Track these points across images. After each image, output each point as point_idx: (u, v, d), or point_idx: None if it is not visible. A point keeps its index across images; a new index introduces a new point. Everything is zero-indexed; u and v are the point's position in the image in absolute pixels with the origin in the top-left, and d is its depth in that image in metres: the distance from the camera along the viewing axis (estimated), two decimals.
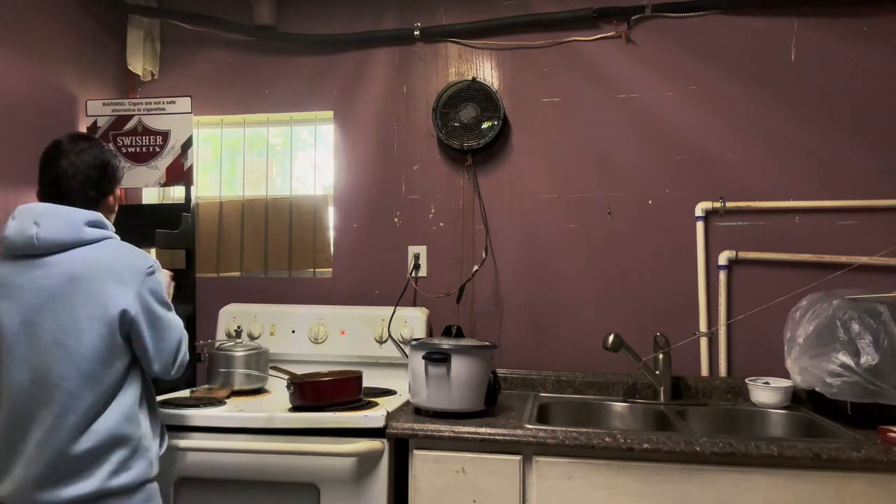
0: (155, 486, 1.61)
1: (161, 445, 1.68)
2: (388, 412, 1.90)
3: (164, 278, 1.67)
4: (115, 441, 1.50)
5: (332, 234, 2.70)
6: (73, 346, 1.47)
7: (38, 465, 1.45)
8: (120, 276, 1.53)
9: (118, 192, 1.73)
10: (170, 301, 1.67)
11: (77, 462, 1.46)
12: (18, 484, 1.46)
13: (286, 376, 1.98)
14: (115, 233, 1.65)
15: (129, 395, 1.55)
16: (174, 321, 1.64)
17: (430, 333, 2.51)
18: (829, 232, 2.31)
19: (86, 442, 1.47)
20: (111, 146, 1.80)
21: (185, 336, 1.67)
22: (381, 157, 2.65)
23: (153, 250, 2.58)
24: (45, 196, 1.61)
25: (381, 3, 2.67)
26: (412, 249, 2.60)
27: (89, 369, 1.48)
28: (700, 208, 2.38)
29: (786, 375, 2.12)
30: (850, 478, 1.65)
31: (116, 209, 1.75)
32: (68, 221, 1.53)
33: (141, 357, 1.58)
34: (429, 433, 1.84)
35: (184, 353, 1.66)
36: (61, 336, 1.47)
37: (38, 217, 1.52)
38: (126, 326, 1.53)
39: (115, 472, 1.49)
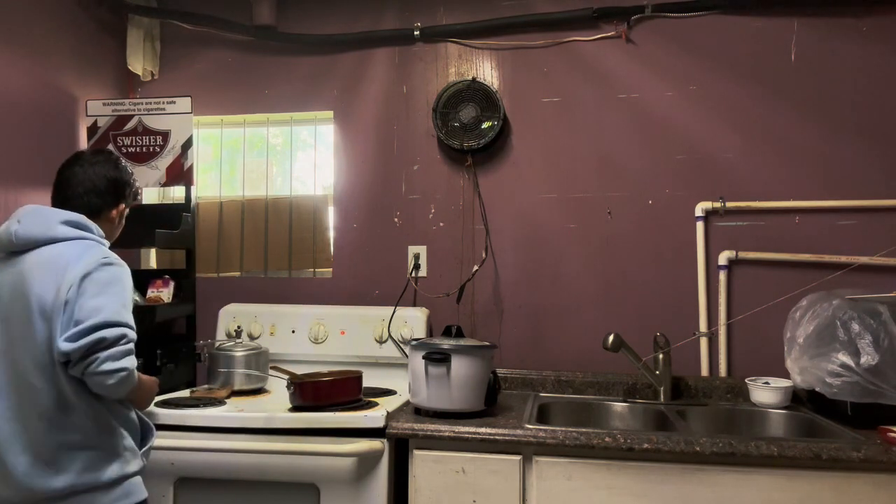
0: (135, 480, 1.58)
1: (145, 439, 1.66)
2: (388, 412, 1.90)
3: (126, 279, 1.57)
4: (85, 439, 1.49)
5: (332, 234, 2.70)
6: (30, 338, 1.48)
7: (12, 457, 1.46)
8: (70, 269, 1.49)
9: (122, 209, 1.72)
10: (126, 298, 1.53)
11: (49, 455, 1.47)
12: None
13: (286, 376, 1.98)
14: (105, 241, 1.64)
15: (88, 395, 1.50)
16: (108, 308, 1.46)
17: (430, 333, 2.51)
18: (829, 232, 2.31)
19: (55, 435, 1.47)
20: (127, 165, 1.76)
21: (114, 330, 1.45)
22: (381, 157, 2.65)
23: (153, 250, 2.58)
24: (53, 200, 1.66)
25: (380, 3, 2.67)
26: (412, 249, 2.60)
27: (42, 360, 1.47)
28: (700, 208, 2.38)
29: (786, 375, 2.12)
30: (850, 478, 1.65)
31: (119, 226, 1.75)
32: (44, 219, 1.56)
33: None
34: (429, 433, 1.84)
35: (96, 337, 1.42)
36: (23, 329, 1.49)
37: (21, 215, 1.57)
38: (66, 309, 1.47)
39: (87, 468, 1.48)
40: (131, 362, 1.48)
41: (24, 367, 1.48)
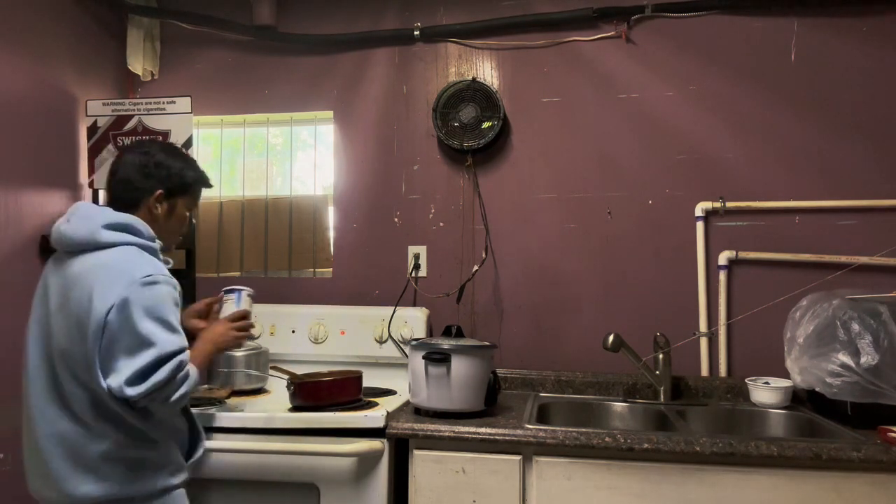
0: (177, 493, 1.55)
1: (194, 449, 1.64)
2: (388, 412, 1.90)
3: (168, 294, 1.49)
4: (125, 450, 1.46)
5: (332, 234, 2.70)
6: (68, 348, 1.46)
7: (56, 460, 1.45)
8: (111, 281, 1.43)
9: (160, 195, 1.60)
10: (172, 320, 1.47)
11: (90, 461, 1.45)
12: (39, 478, 1.49)
13: (286, 376, 1.98)
14: (153, 244, 1.57)
15: (120, 410, 1.45)
16: (157, 337, 1.42)
17: (430, 333, 2.51)
18: (829, 232, 2.31)
19: (96, 444, 1.45)
20: (170, 151, 1.67)
21: (171, 364, 1.42)
22: (381, 157, 2.65)
23: None
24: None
25: (380, 3, 2.67)
26: (412, 249, 2.60)
27: (78, 371, 1.45)
28: (700, 208, 2.38)
29: (786, 375, 2.12)
30: (850, 478, 1.65)
31: (170, 220, 1.65)
32: (88, 221, 1.51)
33: (100, 364, 1.42)
34: (429, 433, 1.84)
35: (158, 380, 1.40)
36: (63, 339, 1.46)
37: (71, 214, 1.54)
38: (103, 331, 1.42)
39: (129, 478, 1.46)
40: (191, 383, 1.48)
41: (64, 377, 1.46)
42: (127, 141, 2.55)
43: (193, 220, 1.72)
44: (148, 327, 1.41)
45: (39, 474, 1.49)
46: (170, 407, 1.47)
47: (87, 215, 1.53)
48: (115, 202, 1.61)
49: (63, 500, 1.46)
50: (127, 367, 1.40)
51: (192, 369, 1.49)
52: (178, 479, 1.56)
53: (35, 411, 1.50)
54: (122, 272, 1.44)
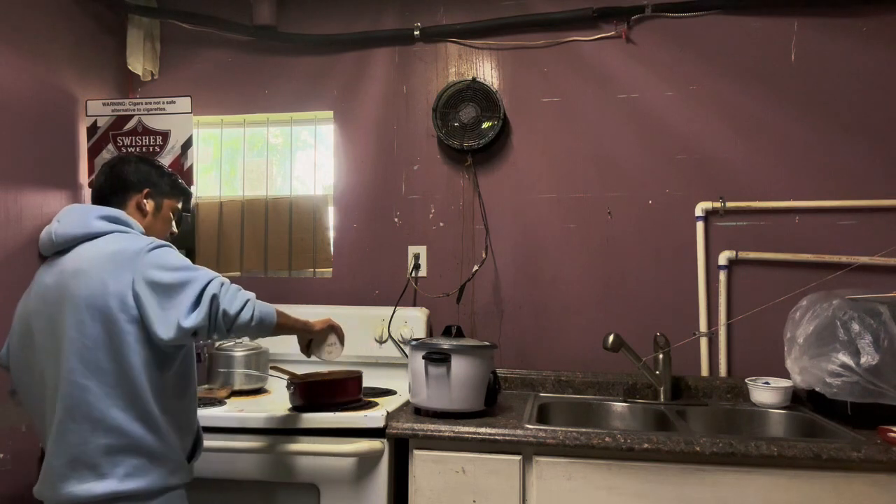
0: (178, 493, 1.55)
1: (193, 453, 1.64)
2: (388, 412, 1.90)
3: (176, 252, 1.55)
4: (130, 441, 1.46)
5: (332, 234, 2.70)
6: (77, 337, 1.45)
7: (56, 460, 1.45)
8: (118, 261, 1.47)
9: (147, 193, 1.66)
10: (189, 264, 1.52)
11: (91, 458, 1.43)
12: (42, 479, 1.48)
13: (286, 376, 1.98)
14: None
15: (145, 395, 1.47)
16: (192, 276, 1.48)
17: (430, 333, 2.51)
18: (829, 232, 2.31)
19: (99, 437, 1.44)
20: (150, 160, 1.76)
21: (217, 284, 1.48)
22: (380, 157, 2.65)
23: None
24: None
25: (380, 3, 2.67)
26: (412, 249, 2.60)
27: (93, 358, 1.44)
28: (700, 208, 2.38)
29: (786, 375, 2.11)
30: (850, 478, 1.65)
31: (159, 220, 1.70)
32: (81, 215, 1.56)
33: (149, 329, 1.45)
34: (429, 433, 1.84)
35: (210, 299, 1.45)
36: (70, 330, 1.46)
37: (61, 215, 1.57)
38: (130, 309, 1.45)
39: (130, 475, 1.45)
40: (248, 294, 1.52)
41: (70, 367, 1.45)
42: (127, 141, 2.55)
43: (174, 231, 1.76)
44: (174, 276, 1.47)
45: (42, 474, 1.49)
46: (248, 320, 1.49)
47: (79, 210, 1.58)
48: (102, 199, 1.64)
49: (64, 502, 1.45)
50: (175, 310, 1.44)
51: (244, 292, 1.53)
52: (179, 479, 1.55)
53: (41, 414, 1.51)
54: (126, 249, 1.49)
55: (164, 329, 1.43)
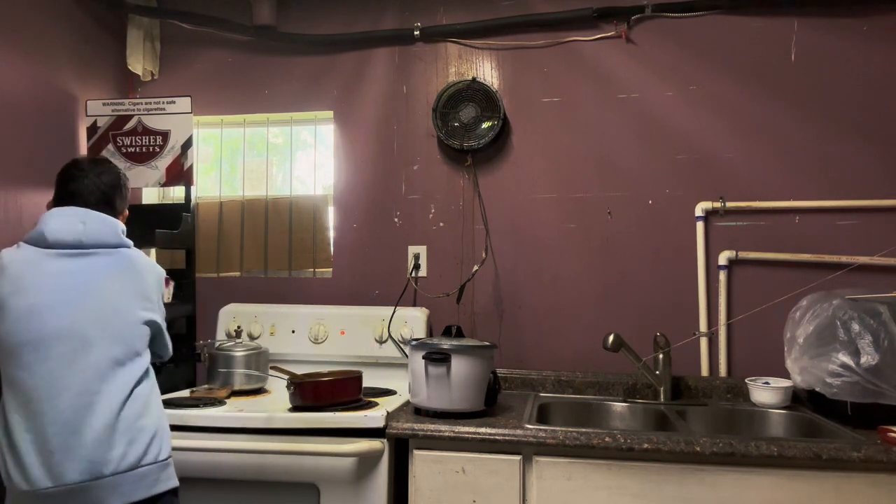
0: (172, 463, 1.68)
1: None
2: (388, 412, 1.90)
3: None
4: (152, 417, 1.60)
5: (332, 234, 2.70)
6: (112, 321, 1.60)
7: (88, 431, 1.51)
8: (156, 281, 1.74)
9: (127, 214, 1.85)
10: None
11: (123, 429, 1.54)
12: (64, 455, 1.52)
13: (286, 376, 1.98)
14: None
15: (147, 386, 1.64)
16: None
17: (430, 333, 2.51)
18: (829, 232, 2.31)
19: (129, 408, 1.57)
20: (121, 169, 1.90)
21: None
22: (380, 157, 2.65)
23: (153, 250, 2.58)
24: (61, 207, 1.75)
25: (380, 3, 2.67)
26: (412, 249, 2.60)
27: (127, 345, 1.61)
28: (700, 208, 2.38)
29: (786, 375, 2.11)
30: (850, 478, 1.65)
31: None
32: (110, 226, 1.70)
33: (160, 351, 1.80)
34: (429, 433, 1.84)
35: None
36: (104, 315, 1.59)
37: (84, 218, 1.67)
38: (151, 326, 1.70)
39: (151, 444, 1.58)
40: None
41: (103, 354, 1.57)
42: (127, 141, 2.55)
43: None
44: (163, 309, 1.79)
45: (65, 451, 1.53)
46: None
47: (105, 220, 1.70)
48: (101, 207, 1.73)
49: (93, 471, 1.49)
50: (167, 343, 1.83)
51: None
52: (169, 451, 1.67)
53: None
54: (156, 274, 1.77)
55: (167, 353, 1.84)
